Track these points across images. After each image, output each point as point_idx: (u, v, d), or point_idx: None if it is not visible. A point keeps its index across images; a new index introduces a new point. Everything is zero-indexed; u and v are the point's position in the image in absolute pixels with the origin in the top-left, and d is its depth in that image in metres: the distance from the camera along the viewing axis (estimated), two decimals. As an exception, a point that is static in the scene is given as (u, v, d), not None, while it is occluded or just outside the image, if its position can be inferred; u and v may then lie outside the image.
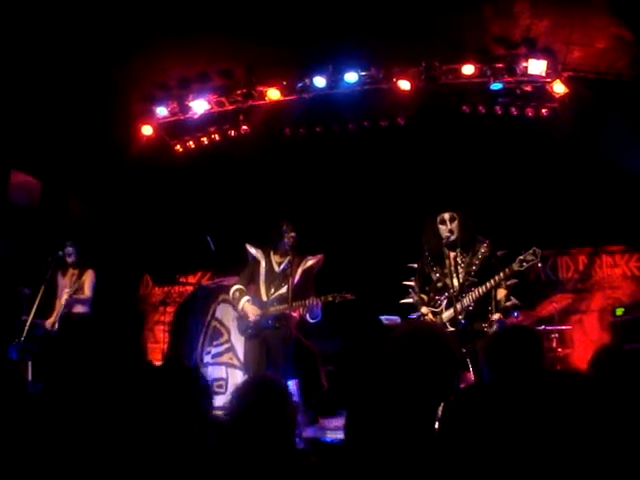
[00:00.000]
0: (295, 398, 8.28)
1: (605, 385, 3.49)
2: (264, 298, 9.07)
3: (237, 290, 9.27)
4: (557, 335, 10.72)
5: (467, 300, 7.82)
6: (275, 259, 9.24)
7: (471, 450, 2.74)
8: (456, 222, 8.06)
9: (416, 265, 8.51)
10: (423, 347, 2.91)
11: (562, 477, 2.69)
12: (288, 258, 9.03)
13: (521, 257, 7.63)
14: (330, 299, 8.58)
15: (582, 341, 11.32)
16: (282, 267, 9.14)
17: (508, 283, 7.83)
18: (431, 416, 2.91)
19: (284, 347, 8.70)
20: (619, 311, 10.81)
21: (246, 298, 9.09)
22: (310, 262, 9.17)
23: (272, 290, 9.07)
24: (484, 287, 7.75)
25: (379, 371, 2.93)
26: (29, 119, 11.24)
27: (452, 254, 8.09)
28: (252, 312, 8.92)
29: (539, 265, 8.89)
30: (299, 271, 9.05)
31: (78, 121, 11.64)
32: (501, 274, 7.70)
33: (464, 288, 7.86)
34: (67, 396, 3.58)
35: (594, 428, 2.74)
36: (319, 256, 9.26)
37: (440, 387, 2.89)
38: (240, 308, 9.13)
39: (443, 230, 8.10)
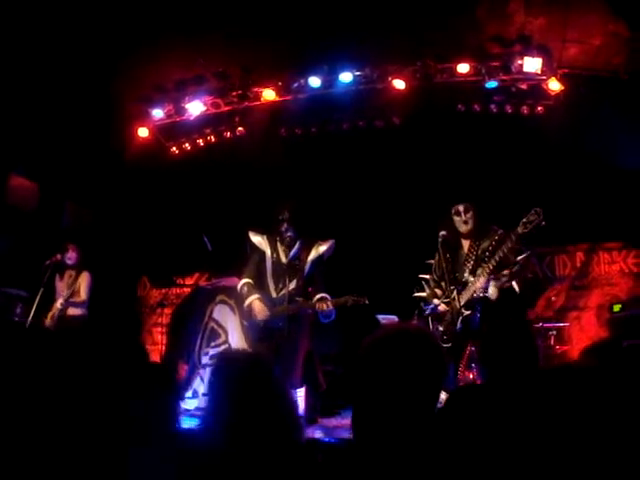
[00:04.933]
0: (302, 406, 8.30)
1: (597, 378, 3.50)
2: (273, 294, 8.48)
3: (245, 284, 8.62)
4: (555, 332, 10.72)
5: (481, 280, 7.83)
6: (281, 248, 8.58)
7: (467, 449, 2.74)
8: (471, 213, 8.13)
9: (432, 261, 8.52)
10: (408, 347, 2.91)
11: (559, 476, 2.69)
12: (296, 246, 8.55)
13: (524, 220, 7.55)
14: (342, 302, 8.15)
15: (580, 338, 11.30)
16: (290, 257, 8.52)
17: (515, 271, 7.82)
18: (424, 416, 2.89)
19: (294, 354, 8.24)
20: (616, 307, 10.80)
21: (254, 296, 8.43)
22: (322, 249, 8.60)
23: (281, 285, 8.40)
24: (494, 260, 7.73)
25: (360, 374, 2.93)
26: (26, 121, 11.24)
27: (465, 243, 8.19)
28: (261, 313, 8.30)
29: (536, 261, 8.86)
30: (309, 261, 8.54)
31: (74, 123, 11.65)
32: (508, 242, 7.65)
33: (477, 274, 7.91)
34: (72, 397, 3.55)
35: (588, 426, 2.74)
36: (330, 242, 8.70)
37: (428, 386, 2.88)
38: (247, 305, 8.47)
39: (457, 221, 8.19)
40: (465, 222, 8.13)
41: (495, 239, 8.00)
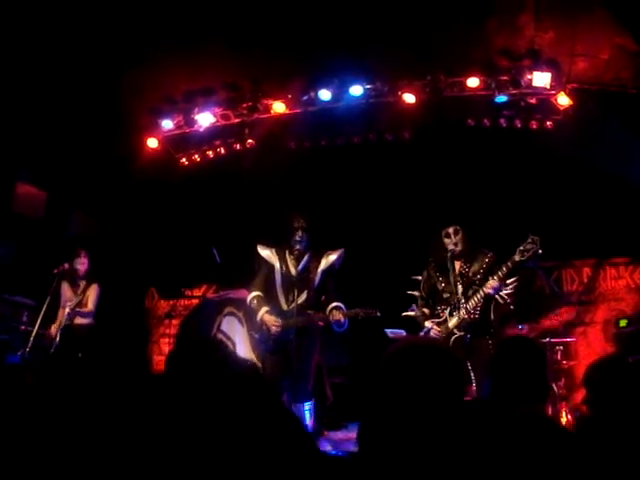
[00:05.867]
0: (309, 418, 8.31)
1: (598, 398, 3.53)
2: (284, 307, 8.50)
3: (255, 297, 8.64)
4: (561, 347, 10.71)
5: (472, 303, 7.89)
6: (291, 260, 8.61)
7: (479, 464, 2.74)
8: (460, 235, 8.18)
9: (420, 277, 8.55)
10: (426, 361, 2.91)
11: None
12: (305, 258, 8.59)
13: (520, 247, 7.64)
14: (353, 314, 8.22)
15: (586, 353, 11.29)
16: (299, 269, 8.54)
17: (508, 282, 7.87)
18: (441, 429, 2.89)
19: (304, 366, 8.21)
20: (622, 322, 10.81)
21: (265, 309, 8.47)
22: (332, 258, 8.64)
23: (291, 297, 8.42)
24: (488, 285, 7.79)
25: (380, 386, 2.92)
26: (34, 130, 11.27)
27: (457, 264, 8.20)
28: (273, 324, 8.33)
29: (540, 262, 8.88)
30: (319, 272, 8.56)
31: (83, 133, 11.67)
32: (503, 268, 7.73)
33: (468, 296, 7.96)
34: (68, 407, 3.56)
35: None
36: (340, 251, 8.74)
37: (447, 400, 2.88)
38: (259, 319, 8.50)
39: (448, 243, 8.22)
40: (455, 244, 8.19)
41: (485, 262, 8.16)
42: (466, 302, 7.93)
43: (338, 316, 8.17)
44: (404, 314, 8.60)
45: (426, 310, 8.41)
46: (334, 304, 8.30)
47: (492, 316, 8.00)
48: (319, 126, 12.12)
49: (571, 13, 9.52)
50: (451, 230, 8.24)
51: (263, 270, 8.80)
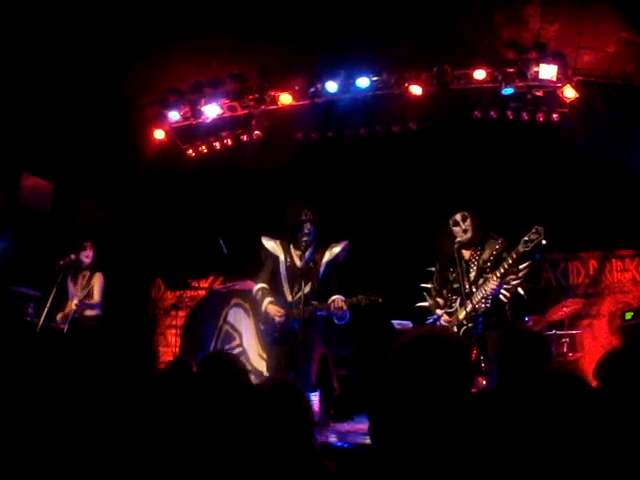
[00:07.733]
0: (315, 410, 8.33)
1: (610, 390, 3.55)
2: (289, 298, 8.52)
3: (260, 289, 8.67)
4: (567, 339, 10.69)
5: (480, 294, 7.87)
6: (295, 252, 8.65)
7: (488, 455, 2.76)
8: (469, 220, 8.16)
9: (434, 268, 8.56)
10: (435, 351, 2.93)
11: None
12: (310, 250, 8.59)
13: (525, 238, 7.61)
14: (355, 302, 8.20)
15: (592, 345, 11.30)
16: (304, 261, 8.56)
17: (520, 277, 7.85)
18: (452, 420, 2.91)
19: (309, 357, 8.21)
20: (628, 315, 10.79)
21: (269, 299, 8.49)
22: (336, 250, 8.64)
23: (296, 289, 8.40)
24: (494, 277, 7.78)
25: (391, 376, 2.94)
26: (41, 122, 11.29)
27: (466, 253, 8.19)
28: (276, 314, 8.36)
29: (545, 250, 8.88)
30: (323, 263, 8.57)
31: (90, 125, 11.69)
32: (509, 259, 7.70)
33: (478, 285, 7.94)
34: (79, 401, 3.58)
35: (598, 433, 2.76)
36: (344, 243, 8.73)
37: (454, 391, 2.90)
38: (263, 310, 8.53)
39: (457, 231, 8.19)
40: (465, 231, 8.16)
41: (496, 248, 8.08)
42: (477, 292, 7.94)
43: (340, 304, 8.16)
44: (418, 305, 8.62)
45: (440, 300, 8.42)
46: (333, 297, 8.33)
47: (504, 307, 7.99)
48: (326, 118, 12.13)
49: (577, 6, 9.54)
50: (458, 217, 8.21)
51: (269, 262, 8.83)
